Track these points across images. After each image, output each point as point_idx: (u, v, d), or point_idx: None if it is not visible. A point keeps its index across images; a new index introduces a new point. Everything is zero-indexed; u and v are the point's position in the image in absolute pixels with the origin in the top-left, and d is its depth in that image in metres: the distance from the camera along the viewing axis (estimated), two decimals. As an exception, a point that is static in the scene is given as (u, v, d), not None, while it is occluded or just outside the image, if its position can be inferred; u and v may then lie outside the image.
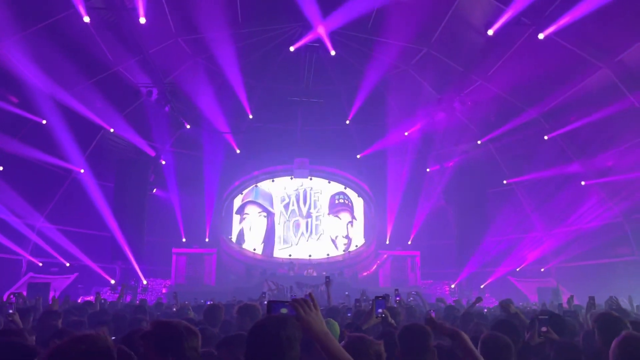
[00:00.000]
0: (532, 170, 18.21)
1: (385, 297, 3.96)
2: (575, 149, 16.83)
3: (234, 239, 23.45)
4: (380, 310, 3.75)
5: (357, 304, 7.36)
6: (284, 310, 2.11)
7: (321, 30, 15.27)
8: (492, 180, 20.21)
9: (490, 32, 13.30)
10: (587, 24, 12.38)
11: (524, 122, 17.01)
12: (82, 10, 12.43)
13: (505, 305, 5.35)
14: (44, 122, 15.14)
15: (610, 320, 3.52)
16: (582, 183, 16.85)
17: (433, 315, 5.65)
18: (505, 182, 19.79)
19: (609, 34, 13.04)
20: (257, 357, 2.11)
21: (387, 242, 22.37)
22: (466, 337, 2.72)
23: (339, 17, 15.02)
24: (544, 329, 3.91)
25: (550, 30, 12.78)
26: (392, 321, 3.76)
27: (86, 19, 12.58)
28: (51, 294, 14.01)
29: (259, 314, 4.82)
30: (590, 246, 16.63)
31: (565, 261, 18.12)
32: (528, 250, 18.92)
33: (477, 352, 2.67)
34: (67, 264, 17.48)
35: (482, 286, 19.46)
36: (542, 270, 19.26)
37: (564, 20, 12.34)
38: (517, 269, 19.23)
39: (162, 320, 2.53)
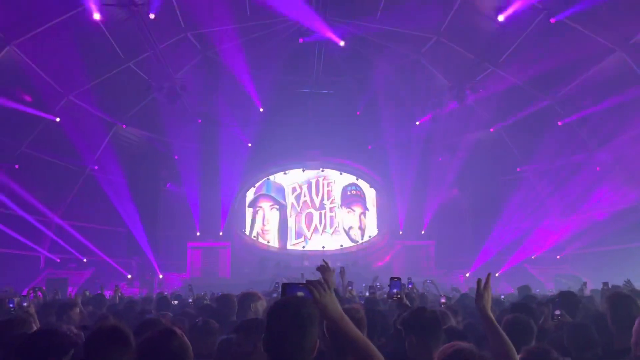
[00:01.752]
0: (545, 156, 18.03)
1: (400, 279, 3.97)
2: (589, 135, 16.62)
3: (247, 232, 23.57)
4: (395, 291, 3.77)
5: (372, 291, 7.38)
6: (300, 294, 2.11)
7: (329, 33, 15.40)
8: (505, 167, 20.09)
9: (501, 18, 13.16)
10: (599, 7, 12.20)
11: (537, 108, 16.84)
12: (92, 7, 12.52)
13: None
14: (58, 119, 15.31)
15: (621, 299, 3.50)
16: (597, 169, 16.66)
17: (443, 300, 5.69)
18: (518, 169, 19.62)
19: (623, 17, 12.83)
20: (278, 335, 2.07)
21: (401, 233, 22.32)
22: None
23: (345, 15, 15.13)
24: (557, 312, 3.92)
25: (562, 14, 12.61)
26: (407, 302, 3.80)
27: (96, 16, 12.66)
28: (69, 289, 14.25)
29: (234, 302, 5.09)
30: (607, 232, 16.44)
31: (582, 248, 17.96)
32: (544, 238, 18.77)
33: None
34: (84, 260, 17.70)
35: (497, 274, 19.38)
36: (558, 257, 19.12)
37: (576, 4, 12.16)
38: (533, 257, 19.09)
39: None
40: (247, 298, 4.88)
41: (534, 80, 16.14)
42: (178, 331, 2.39)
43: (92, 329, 2.46)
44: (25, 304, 5.25)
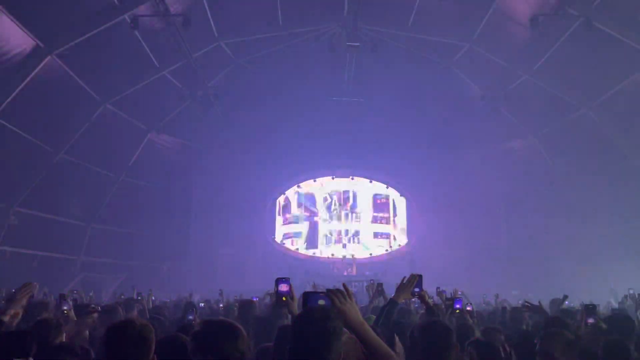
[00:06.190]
0: (581, 165, 17.60)
1: (421, 276, 3.95)
2: (626, 143, 16.14)
3: (277, 238, 23.70)
4: (417, 289, 3.79)
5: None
6: (321, 302, 2.13)
7: None
8: (540, 177, 19.67)
9: (534, 25, 12.95)
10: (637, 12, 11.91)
11: (573, 117, 16.49)
12: (129, 18, 12.95)
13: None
14: (95, 126, 15.77)
15: None
16: None
17: (470, 309, 5.63)
18: (553, 180, 19.19)
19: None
20: (304, 349, 2.07)
21: (431, 242, 22.05)
22: None
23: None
24: (590, 320, 3.84)
25: (597, 21, 12.36)
26: (430, 301, 3.78)
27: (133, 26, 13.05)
28: (103, 292, 14.58)
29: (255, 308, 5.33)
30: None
31: (620, 259, 17.39)
32: (580, 247, 18.25)
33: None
34: (118, 263, 18.11)
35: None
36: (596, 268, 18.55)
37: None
38: (568, 267, 18.59)
39: (210, 319, 2.68)
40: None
41: (569, 87, 15.82)
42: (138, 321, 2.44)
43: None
44: (65, 308, 5.28)
